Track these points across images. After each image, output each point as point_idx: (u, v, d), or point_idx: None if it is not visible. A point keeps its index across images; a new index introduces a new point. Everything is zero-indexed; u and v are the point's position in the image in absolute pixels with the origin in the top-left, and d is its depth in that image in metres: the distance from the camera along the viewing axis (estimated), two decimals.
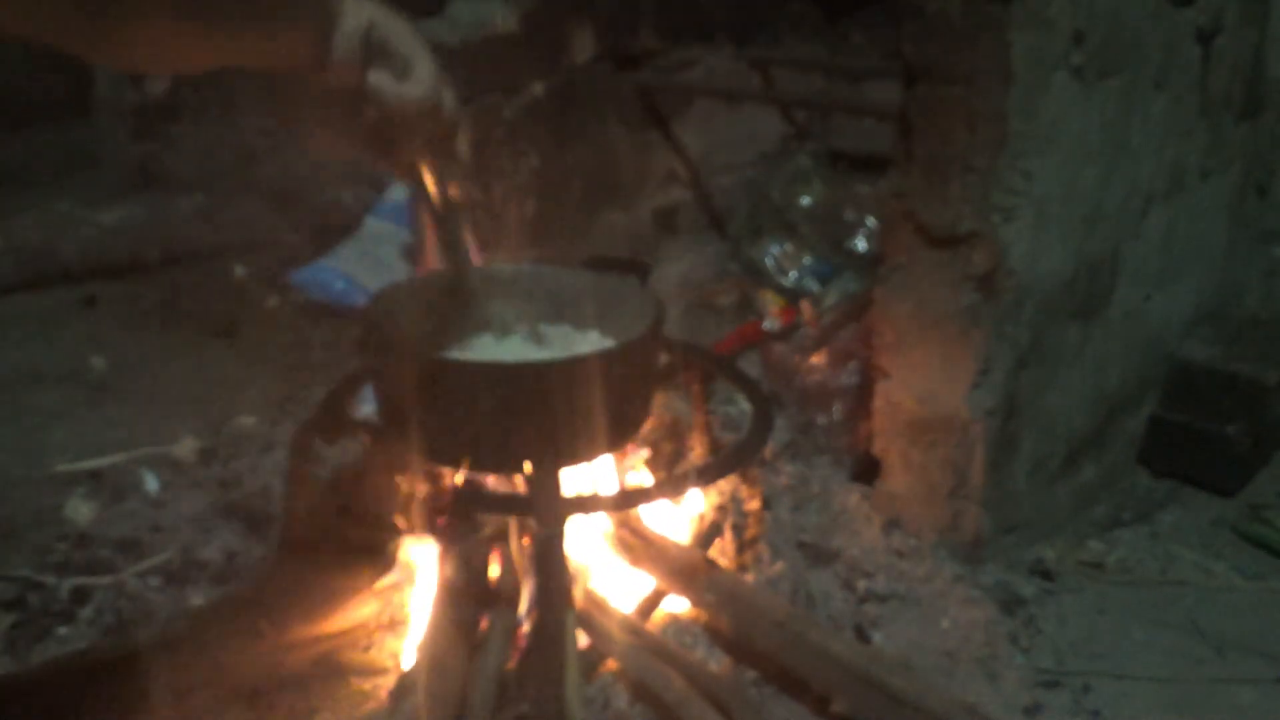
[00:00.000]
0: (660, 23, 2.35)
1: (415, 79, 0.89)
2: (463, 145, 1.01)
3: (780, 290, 2.34)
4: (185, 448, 1.88)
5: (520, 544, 1.31)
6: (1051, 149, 1.48)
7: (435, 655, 1.23)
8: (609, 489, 1.38)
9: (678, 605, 1.41)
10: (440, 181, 1.03)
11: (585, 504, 1.30)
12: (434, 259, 1.15)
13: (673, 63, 2.40)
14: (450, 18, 2.05)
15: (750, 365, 2.07)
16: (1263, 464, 1.92)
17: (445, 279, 1.19)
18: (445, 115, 0.93)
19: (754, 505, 1.48)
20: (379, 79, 0.88)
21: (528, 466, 1.17)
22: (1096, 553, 1.72)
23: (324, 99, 0.88)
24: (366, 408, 1.58)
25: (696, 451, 1.47)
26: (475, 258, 1.17)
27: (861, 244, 2.37)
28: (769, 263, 2.42)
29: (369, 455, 1.34)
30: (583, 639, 1.29)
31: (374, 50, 0.87)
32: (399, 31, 0.89)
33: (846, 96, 2.44)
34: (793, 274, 2.39)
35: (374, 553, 1.39)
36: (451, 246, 1.13)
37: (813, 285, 2.34)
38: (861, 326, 1.79)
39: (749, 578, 1.48)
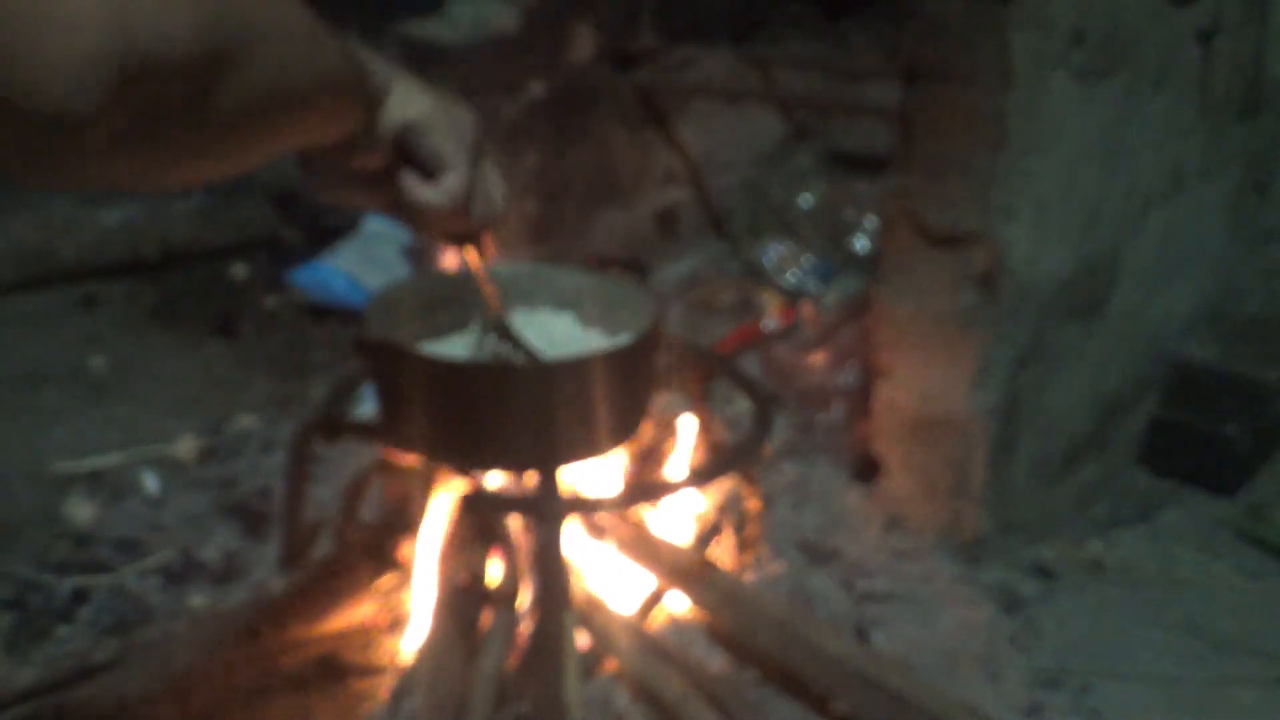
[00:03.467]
0: (660, 22, 2.35)
1: (441, 186, 0.86)
2: (489, 241, 0.98)
3: (780, 290, 2.34)
4: (185, 447, 1.88)
5: (520, 544, 1.31)
6: (1051, 149, 1.48)
7: (435, 655, 1.23)
8: (609, 489, 1.38)
9: (678, 605, 1.41)
10: (466, 259, 1.02)
11: (585, 504, 1.30)
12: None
13: (673, 62, 2.40)
14: (450, 18, 2.05)
15: (750, 365, 2.07)
16: (1263, 464, 1.92)
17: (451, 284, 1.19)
18: (472, 221, 0.90)
19: (754, 505, 1.48)
20: (404, 177, 0.85)
21: (527, 466, 1.17)
22: (1096, 553, 1.71)
23: (351, 172, 0.84)
24: (366, 408, 1.58)
25: (696, 451, 1.47)
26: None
27: (861, 244, 2.37)
28: (769, 263, 2.42)
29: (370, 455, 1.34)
30: (583, 639, 1.29)
31: (406, 148, 0.83)
32: (442, 131, 0.84)
33: (846, 96, 2.44)
34: (793, 274, 2.39)
35: (374, 553, 1.39)
36: (487, 318, 1.12)
37: (813, 285, 2.34)
38: (861, 326, 1.79)
39: (749, 578, 1.48)
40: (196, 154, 0.62)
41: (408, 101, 0.83)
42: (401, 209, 0.89)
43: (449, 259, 1.10)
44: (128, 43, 0.50)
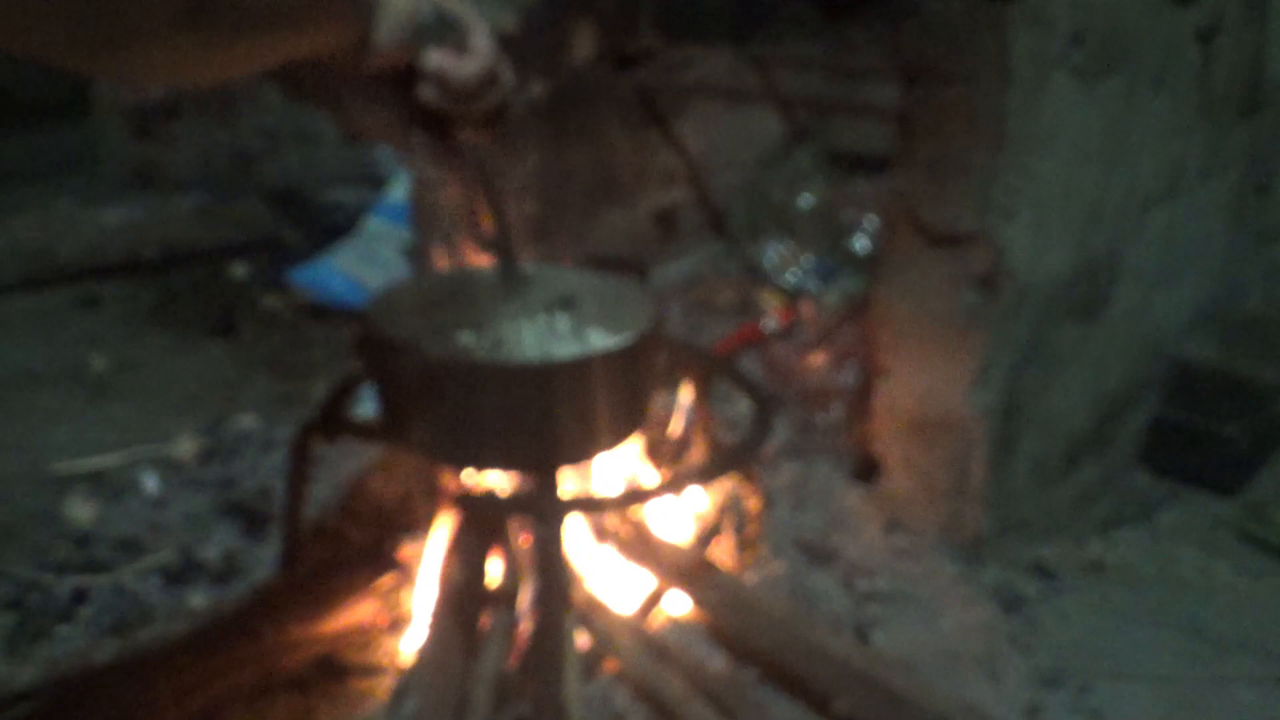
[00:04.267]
0: (660, 22, 2.35)
1: (474, 51, 0.85)
2: (514, 113, 0.98)
3: (780, 290, 2.34)
4: (185, 447, 1.88)
5: (520, 544, 1.31)
6: (1051, 149, 1.48)
7: (435, 655, 1.23)
8: (609, 489, 1.38)
9: (678, 605, 1.41)
10: (490, 161, 0.99)
11: (585, 504, 1.30)
12: (480, 240, 1.12)
13: (673, 62, 2.40)
14: None
15: (750, 365, 2.07)
16: (1263, 464, 1.92)
17: (470, 274, 1.17)
18: (504, 84, 0.90)
19: (754, 505, 1.48)
20: (438, 58, 0.84)
21: (527, 466, 1.17)
22: (1096, 553, 1.72)
23: (368, 82, 0.84)
24: (366, 408, 1.58)
25: (696, 451, 1.47)
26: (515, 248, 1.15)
27: (861, 244, 2.37)
28: (769, 263, 2.42)
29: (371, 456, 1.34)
30: (583, 639, 1.29)
31: (427, 29, 0.83)
32: (452, 2, 0.85)
33: (846, 96, 2.44)
34: (793, 274, 2.39)
35: (374, 553, 1.39)
36: (500, 231, 1.09)
37: (813, 285, 2.34)
38: (861, 326, 1.79)
39: (749, 578, 1.48)
40: (238, 36, 0.69)
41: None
42: (424, 118, 0.88)
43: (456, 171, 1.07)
44: None
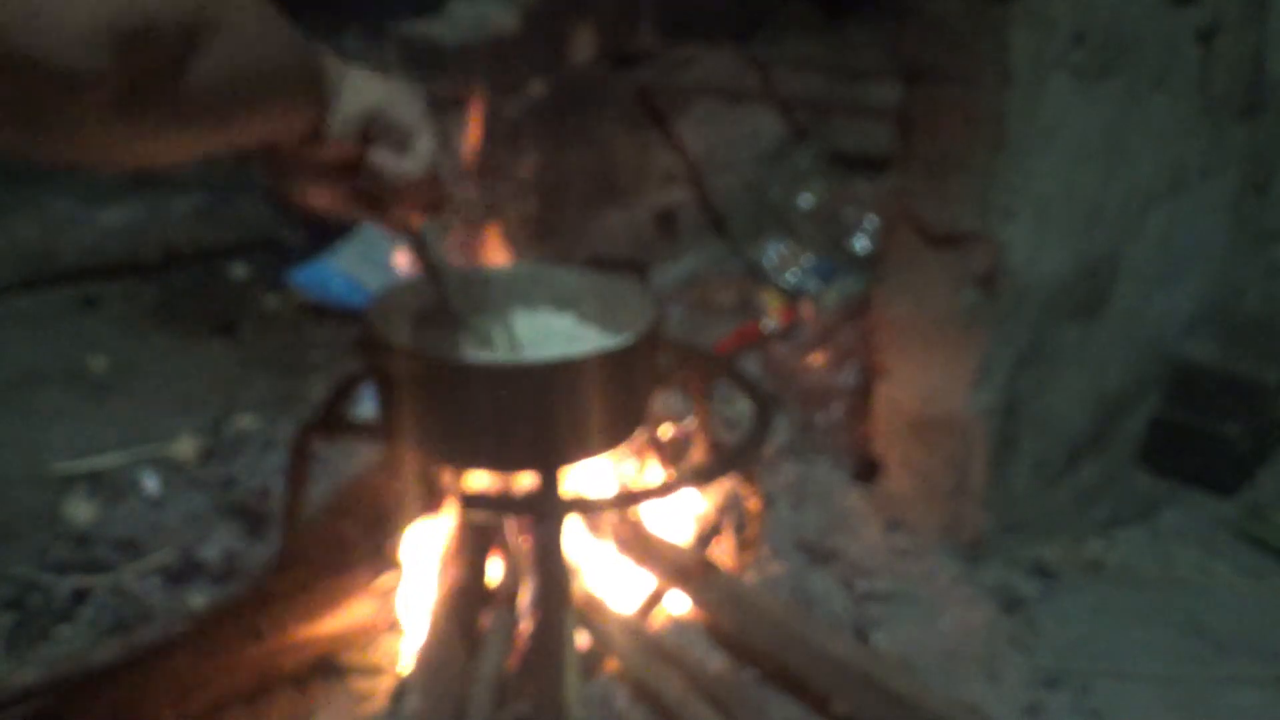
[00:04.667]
0: (660, 22, 2.35)
1: (414, 154, 0.91)
2: (451, 208, 1.04)
3: (780, 290, 2.34)
4: (185, 447, 1.88)
5: (520, 544, 1.31)
6: (1051, 149, 1.48)
7: (435, 655, 1.23)
8: (609, 489, 1.38)
9: (678, 605, 1.41)
10: (432, 238, 1.07)
11: (585, 504, 1.30)
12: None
13: (673, 62, 2.40)
14: (450, 17, 2.05)
15: (750, 365, 2.07)
16: (1263, 464, 1.92)
17: (470, 274, 1.22)
18: (440, 185, 0.96)
19: (754, 505, 1.48)
20: (378, 155, 0.90)
21: (527, 466, 1.17)
22: (1096, 553, 1.71)
23: (316, 165, 0.89)
24: (366, 408, 1.58)
25: (696, 451, 1.47)
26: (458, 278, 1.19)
27: (861, 244, 2.37)
28: (769, 263, 2.42)
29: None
30: (583, 639, 1.29)
31: (374, 129, 0.89)
32: (401, 105, 0.90)
33: (846, 96, 2.44)
34: (793, 274, 2.39)
35: (374, 553, 1.39)
36: (442, 298, 1.15)
37: (813, 285, 2.34)
38: (861, 326, 1.79)
39: (749, 578, 1.48)
40: (176, 126, 0.69)
41: (366, 87, 0.88)
42: (369, 199, 0.94)
43: (403, 252, 1.14)
44: (134, 5, 0.58)
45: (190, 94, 0.66)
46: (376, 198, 0.94)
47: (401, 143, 0.91)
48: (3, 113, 0.57)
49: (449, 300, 1.15)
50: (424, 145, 0.92)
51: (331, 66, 0.86)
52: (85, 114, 0.59)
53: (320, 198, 0.93)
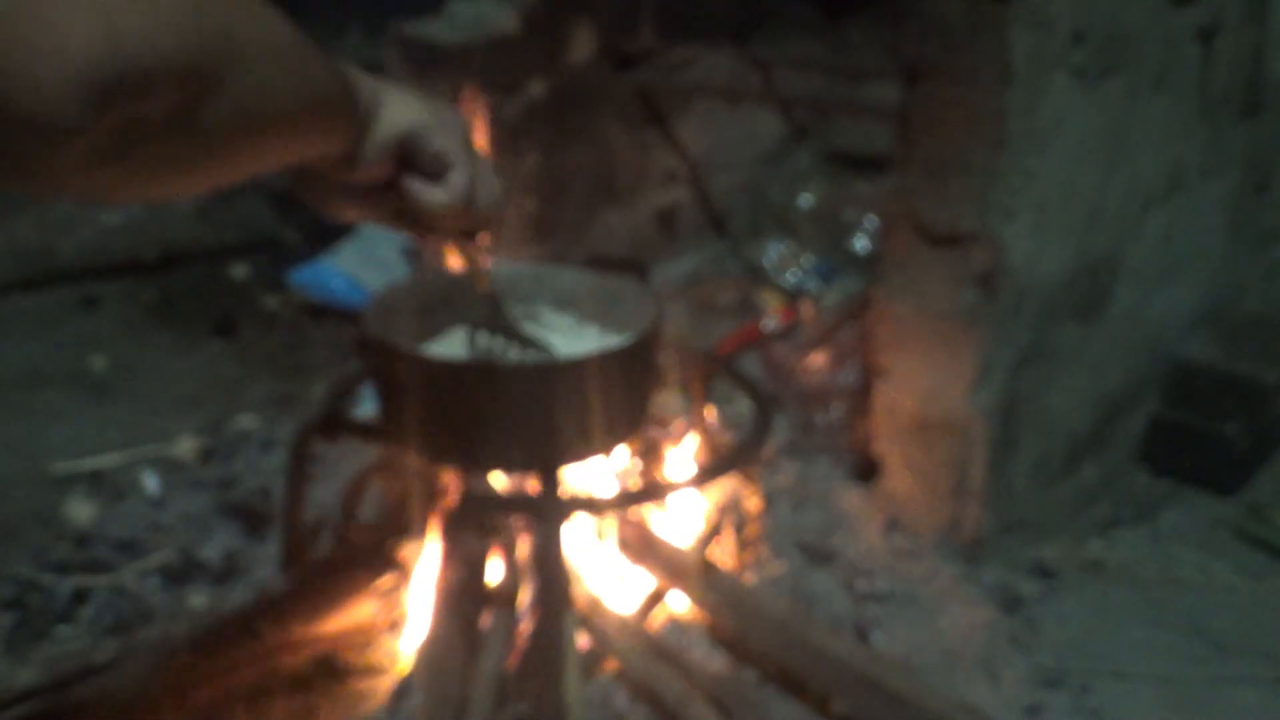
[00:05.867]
0: (660, 22, 2.35)
1: (448, 184, 0.87)
2: (488, 238, 1.00)
3: (780, 290, 2.34)
4: (185, 447, 1.88)
5: (520, 544, 1.31)
6: (1051, 149, 1.48)
7: (435, 655, 1.23)
8: (609, 489, 1.38)
9: (678, 605, 1.41)
10: (471, 257, 1.03)
11: (585, 504, 1.30)
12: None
13: (673, 62, 2.40)
14: (450, 17, 2.05)
15: (750, 365, 2.07)
16: (1263, 464, 1.91)
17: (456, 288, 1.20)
18: (475, 216, 0.91)
19: (754, 505, 1.48)
20: (409, 182, 0.86)
21: (527, 466, 1.17)
22: (1096, 553, 1.71)
23: (351, 185, 0.85)
24: (366, 408, 1.58)
25: (696, 451, 1.47)
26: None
27: (861, 244, 2.37)
28: (769, 263, 2.42)
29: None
30: (583, 639, 1.29)
31: (408, 154, 0.85)
32: (439, 132, 0.86)
33: (846, 96, 2.44)
34: (793, 274, 2.39)
35: (374, 553, 1.39)
36: (489, 313, 1.13)
37: (813, 285, 2.34)
38: (861, 326, 1.79)
39: (749, 578, 1.48)
40: (179, 170, 0.63)
41: (403, 111, 0.84)
42: (404, 217, 0.90)
43: (450, 259, 1.11)
44: (117, 56, 0.51)
45: (194, 140, 0.60)
46: (414, 218, 0.90)
47: (437, 172, 0.86)
48: None
49: (511, 326, 1.13)
50: (458, 177, 0.87)
51: (366, 88, 0.80)
52: (62, 164, 0.54)
53: (354, 212, 0.89)
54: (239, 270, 2.65)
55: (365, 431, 1.36)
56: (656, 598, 1.40)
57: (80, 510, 1.71)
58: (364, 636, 1.37)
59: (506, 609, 1.28)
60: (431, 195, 0.87)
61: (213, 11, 0.57)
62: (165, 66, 0.54)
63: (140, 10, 0.52)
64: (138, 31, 0.52)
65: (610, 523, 1.41)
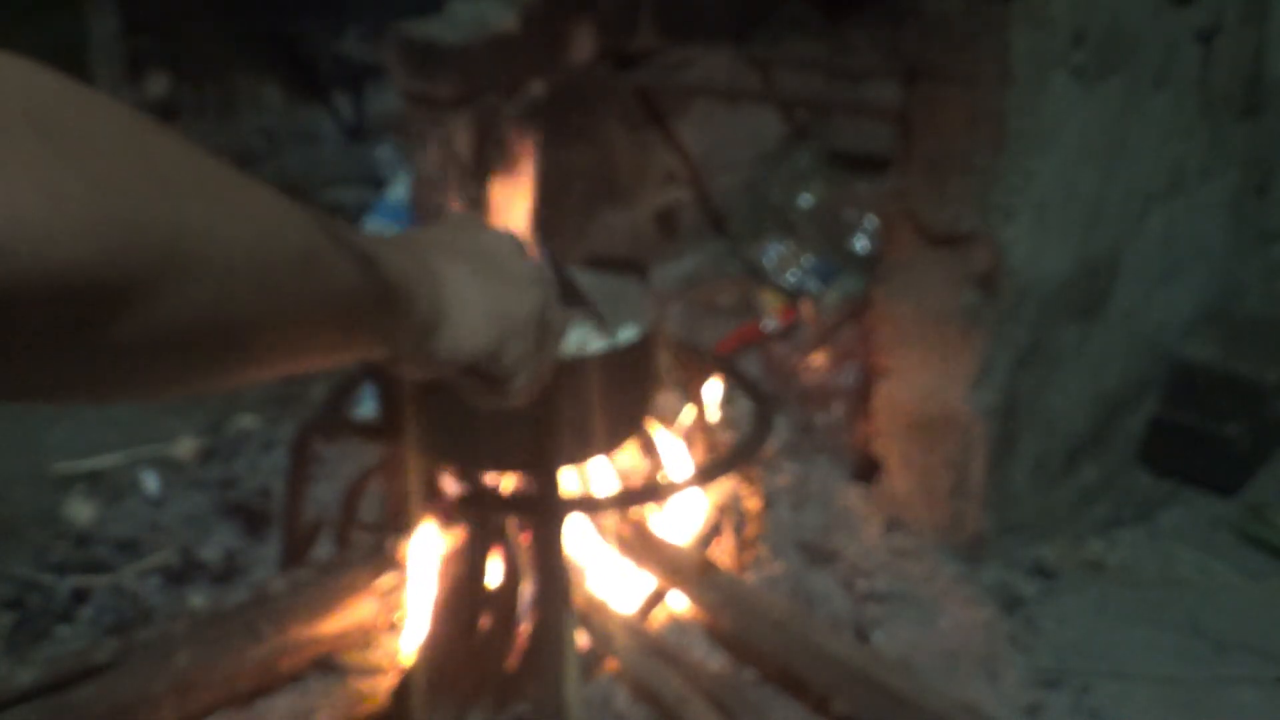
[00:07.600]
0: (660, 22, 2.35)
1: (509, 393, 0.76)
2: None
3: (780, 290, 2.34)
4: (185, 447, 1.88)
5: (520, 544, 1.31)
6: (1051, 149, 1.48)
7: (435, 655, 1.23)
8: (609, 489, 1.38)
9: (678, 605, 1.41)
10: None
11: (585, 504, 1.30)
12: None
13: (672, 62, 2.40)
14: (450, 17, 2.05)
15: (750, 365, 2.07)
16: (1263, 464, 1.91)
17: None
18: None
19: (754, 505, 1.48)
20: (466, 387, 0.74)
21: (528, 466, 1.17)
22: (1096, 553, 1.71)
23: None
24: (366, 408, 1.58)
25: (696, 451, 1.47)
26: None
27: (861, 244, 2.37)
28: (769, 263, 2.42)
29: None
30: (583, 639, 1.29)
31: (479, 369, 0.71)
32: (510, 347, 0.71)
33: (846, 96, 2.44)
34: (793, 274, 2.39)
35: (374, 553, 1.39)
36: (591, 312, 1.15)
37: (813, 285, 2.34)
38: (861, 326, 1.79)
39: (749, 578, 1.48)
40: (82, 387, 0.44)
41: (468, 336, 0.68)
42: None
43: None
44: (33, 257, 0.34)
45: (105, 356, 0.41)
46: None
47: (498, 386, 0.74)
48: None
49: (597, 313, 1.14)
50: (520, 386, 0.76)
51: (425, 296, 0.63)
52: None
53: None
54: None
55: (365, 431, 1.36)
56: (656, 598, 1.39)
57: (80, 510, 1.71)
58: (364, 636, 1.37)
59: (506, 609, 1.28)
60: (489, 401, 0.77)
61: (163, 207, 0.40)
62: (72, 276, 0.36)
63: (44, 186, 0.34)
64: (33, 229, 0.34)
65: (610, 522, 1.41)
